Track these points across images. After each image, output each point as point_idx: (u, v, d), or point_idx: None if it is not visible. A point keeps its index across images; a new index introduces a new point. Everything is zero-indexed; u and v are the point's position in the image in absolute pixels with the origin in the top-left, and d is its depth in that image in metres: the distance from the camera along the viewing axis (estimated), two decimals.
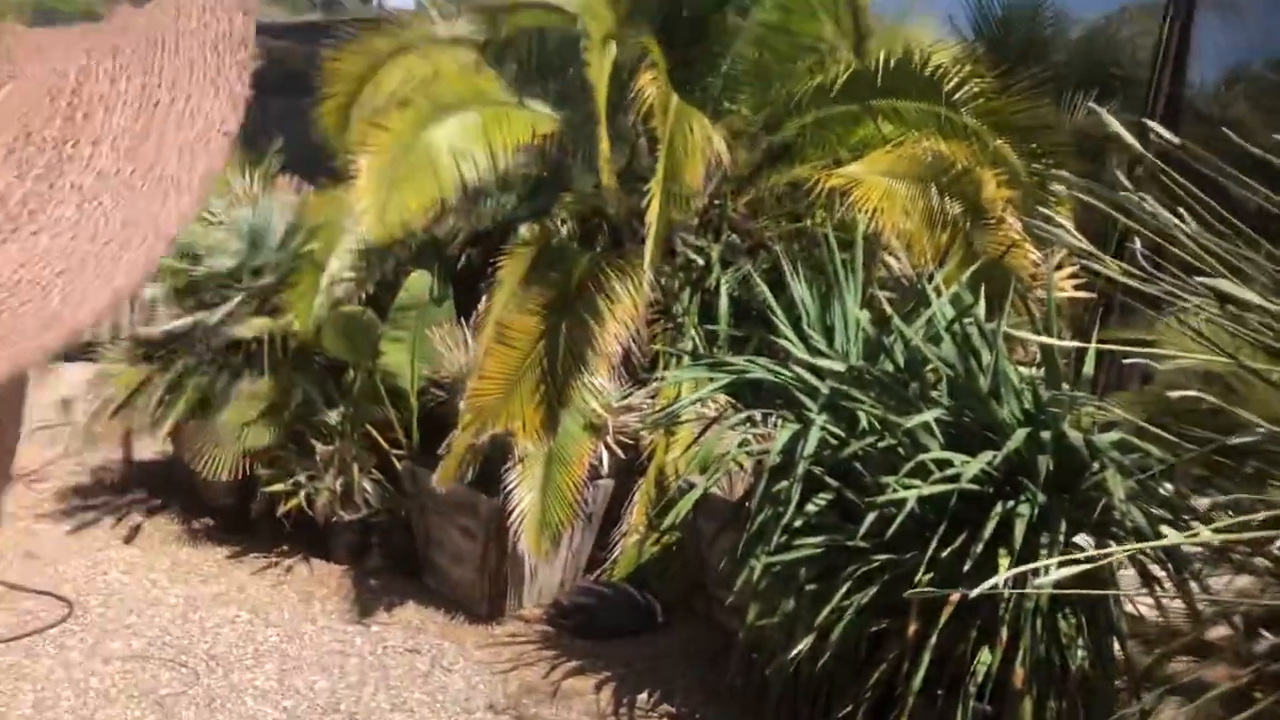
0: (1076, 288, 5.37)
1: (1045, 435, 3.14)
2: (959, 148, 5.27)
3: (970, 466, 3.12)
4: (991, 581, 1.86)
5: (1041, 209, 5.01)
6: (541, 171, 5.80)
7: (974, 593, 2.02)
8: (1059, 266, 5.48)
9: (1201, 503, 3.16)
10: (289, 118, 8.24)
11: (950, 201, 5.12)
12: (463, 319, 5.25)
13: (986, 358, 3.48)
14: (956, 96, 5.30)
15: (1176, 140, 2.49)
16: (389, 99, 5.37)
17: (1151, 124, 2.58)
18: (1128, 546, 2.05)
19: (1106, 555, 2.35)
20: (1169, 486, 3.14)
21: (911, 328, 3.76)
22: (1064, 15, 6.84)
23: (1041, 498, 3.13)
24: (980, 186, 5.12)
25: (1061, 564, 1.87)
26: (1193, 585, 3.03)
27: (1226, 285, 1.97)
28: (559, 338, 4.70)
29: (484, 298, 5.05)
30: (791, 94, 5.60)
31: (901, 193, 5.11)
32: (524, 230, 5.15)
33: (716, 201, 5.78)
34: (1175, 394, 1.93)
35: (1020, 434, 3.10)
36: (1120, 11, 7.14)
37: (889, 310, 3.77)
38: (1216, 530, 1.86)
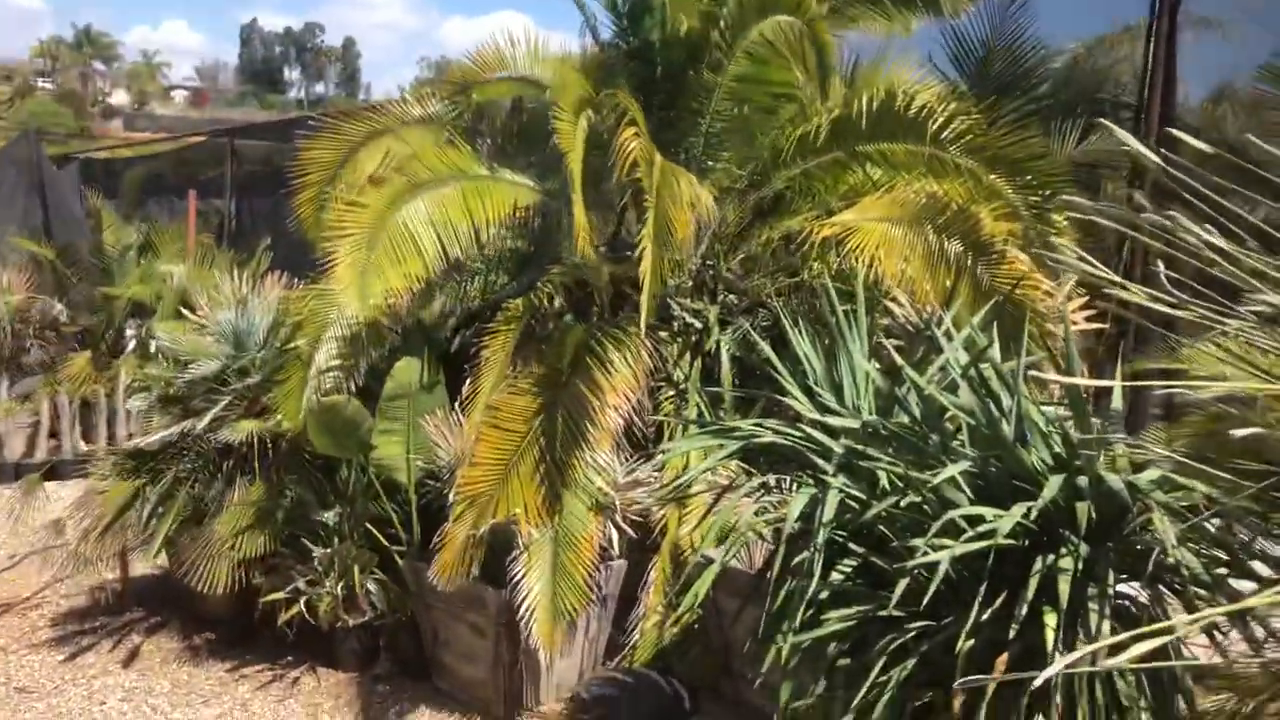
0: (1088, 319, 5.20)
1: (1081, 481, 2.92)
2: (952, 186, 5.13)
3: (1005, 520, 2.90)
4: (1057, 667, 1.63)
5: (1049, 239, 4.88)
6: (529, 246, 5.66)
7: (1038, 679, 1.79)
8: (1068, 299, 5.33)
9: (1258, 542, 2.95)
10: (279, 216, 8.16)
11: (949, 241, 4.95)
12: (456, 405, 5.06)
13: (1007, 401, 3.26)
14: (944, 135, 5.17)
15: (1208, 149, 2.32)
16: (365, 182, 5.23)
17: (1178, 133, 2.42)
18: (1214, 609, 1.84)
19: (1193, 619, 2.11)
20: (1216, 523, 2.92)
21: (924, 376, 3.55)
22: (1043, 45, 6.74)
23: (1084, 548, 2.90)
24: (978, 223, 4.97)
25: (1135, 638, 1.64)
26: (1256, 628, 2.79)
27: None
28: (556, 415, 4.50)
29: (468, 380, 4.85)
30: (776, 146, 5.48)
31: (898, 236, 4.96)
32: (510, 305, 4.97)
33: (709, 262, 5.63)
34: (1240, 432, 1.71)
35: (1055, 481, 2.88)
36: (1099, 39, 7.05)
37: (898, 360, 3.56)
38: None
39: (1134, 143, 2.27)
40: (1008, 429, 3.21)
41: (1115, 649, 2.63)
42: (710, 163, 5.50)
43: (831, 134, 5.28)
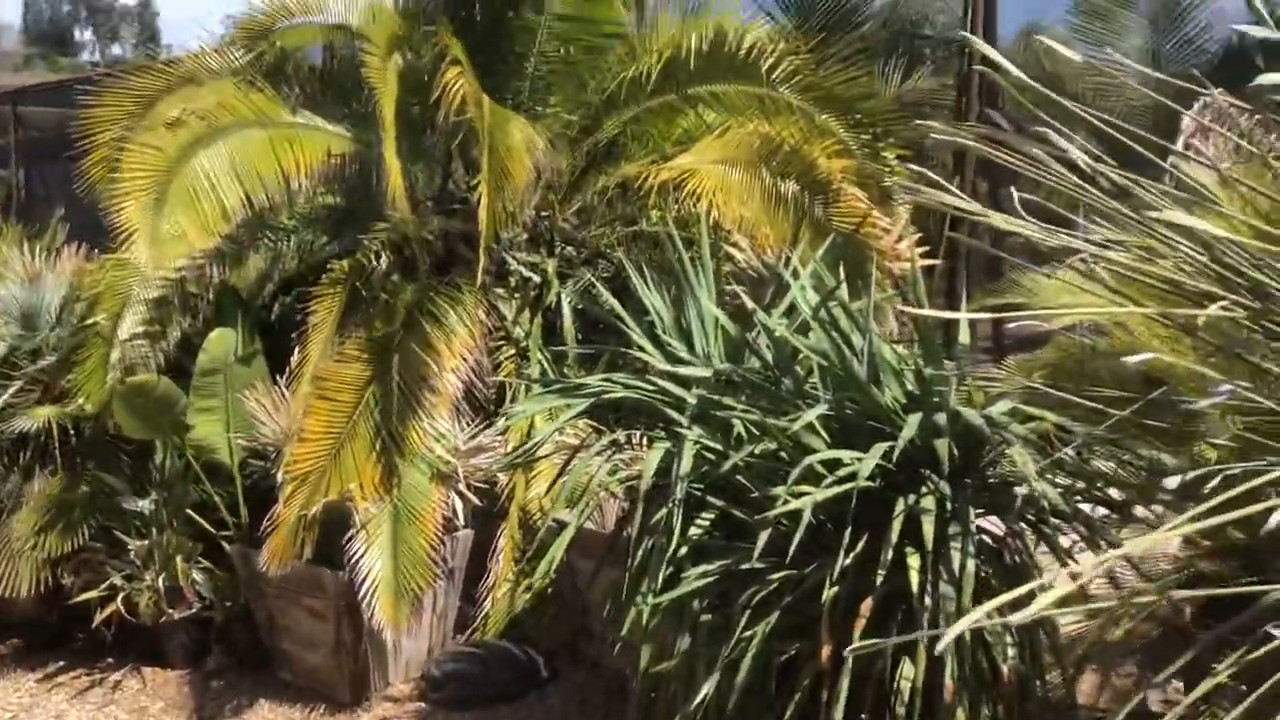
0: (921, 255, 5.23)
1: (939, 418, 2.86)
2: (786, 126, 5.04)
3: (865, 463, 2.81)
4: (956, 629, 1.52)
5: (883, 177, 4.86)
6: (347, 201, 5.30)
7: (940, 646, 1.68)
8: (900, 238, 5.34)
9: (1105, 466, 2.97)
10: (73, 185, 7.45)
11: (786, 182, 4.87)
12: (278, 377, 4.69)
13: (858, 341, 3.18)
14: (775, 75, 5.08)
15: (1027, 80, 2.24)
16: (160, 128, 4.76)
17: (1003, 62, 2.33)
18: (1113, 552, 1.77)
19: (1099, 562, 2.04)
20: (1069, 453, 2.91)
21: (772, 319, 3.45)
22: None
23: (945, 487, 2.85)
24: (814, 163, 4.90)
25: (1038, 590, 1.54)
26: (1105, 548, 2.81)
27: (1181, 216, 1.68)
28: (388, 382, 4.22)
29: (295, 349, 4.50)
30: (606, 90, 5.28)
31: (736, 179, 4.84)
32: (334, 266, 4.62)
33: (544, 213, 5.39)
34: (1134, 359, 1.62)
35: (914, 420, 2.81)
36: None
37: (749, 303, 3.44)
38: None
39: (990, 52, 2.14)
40: (860, 369, 3.13)
41: (987, 596, 2.60)
42: (539, 108, 5.26)
43: (663, 76, 5.11)
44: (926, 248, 5.20)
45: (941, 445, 2.80)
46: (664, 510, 3.21)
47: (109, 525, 4.78)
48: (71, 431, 4.97)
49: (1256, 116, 2.84)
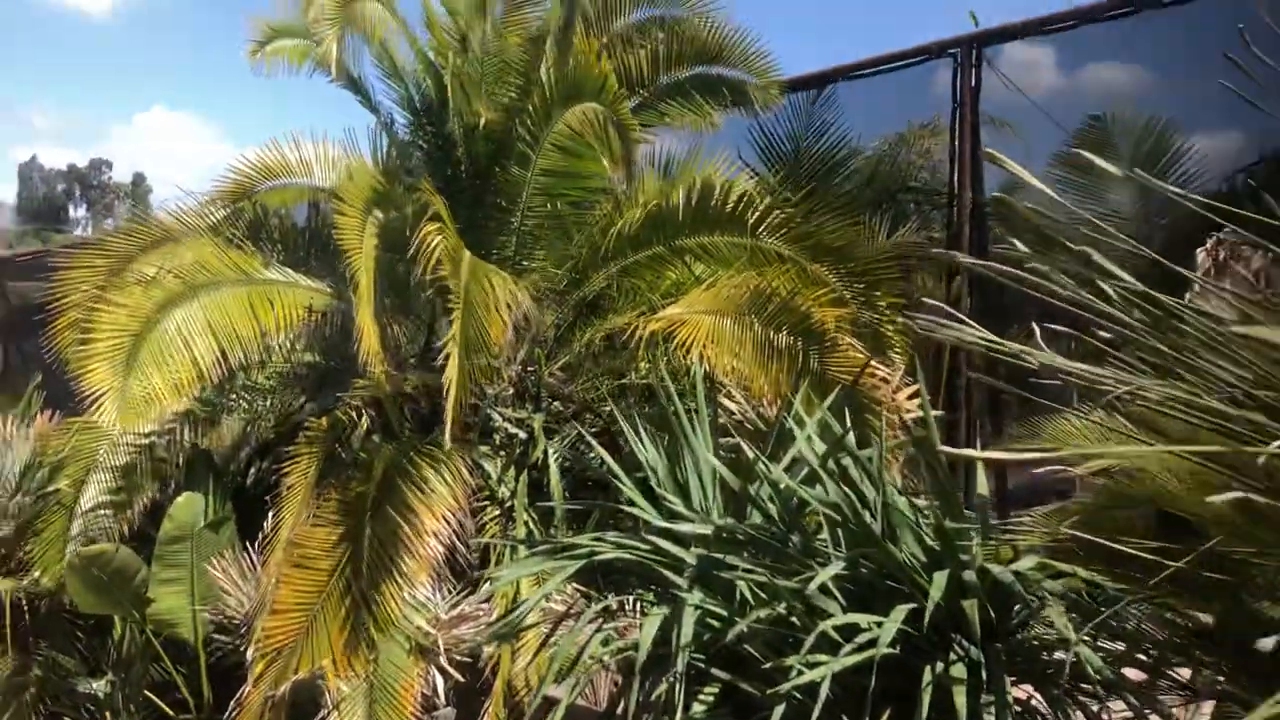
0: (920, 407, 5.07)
1: (967, 575, 2.62)
2: (776, 275, 4.94)
3: (886, 628, 2.55)
4: None
5: (879, 326, 4.73)
6: (327, 360, 5.12)
7: None
8: (899, 388, 5.19)
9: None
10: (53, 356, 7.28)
11: (779, 332, 4.74)
12: (250, 545, 4.42)
13: (870, 493, 2.97)
14: (764, 226, 5.02)
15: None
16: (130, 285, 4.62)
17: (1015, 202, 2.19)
18: None
19: None
20: (1108, 613, 2.66)
21: (775, 470, 3.23)
22: (848, 139, 6.79)
23: (976, 652, 2.59)
24: (807, 312, 4.78)
25: None
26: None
27: (1266, 331, 1.50)
28: (365, 546, 3.95)
29: (270, 514, 4.24)
30: (593, 243, 5.19)
31: (726, 329, 4.70)
32: (312, 425, 4.40)
33: (530, 368, 5.23)
34: (1219, 498, 1.41)
35: (940, 579, 2.56)
36: (903, 134, 7.16)
37: (750, 452, 3.23)
38: None
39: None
40: (875, 523, 2.90)
41: None
42: (525, 263, 5.15)
43: (650, 228, 5.03)
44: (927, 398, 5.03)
45: (970, 606, 2.55)
46: (663, 685, 2.93)
47: (58, 711, 4.41)
48: (25, 607, 4.63)
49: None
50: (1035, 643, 2.81)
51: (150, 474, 4.74)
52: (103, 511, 4.61)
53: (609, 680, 4.04)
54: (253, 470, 5.45)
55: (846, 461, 3.08)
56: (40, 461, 4.82)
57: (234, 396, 4.99)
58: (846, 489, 2.97)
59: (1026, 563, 2.83)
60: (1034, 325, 2.24)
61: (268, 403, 5.17)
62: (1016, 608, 2.77)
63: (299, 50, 5.22)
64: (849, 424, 3.44)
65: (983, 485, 3.27)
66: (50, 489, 4.63)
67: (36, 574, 4.54)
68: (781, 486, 3.10)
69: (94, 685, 4.40)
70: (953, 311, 2.22)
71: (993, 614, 2.67)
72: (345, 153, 5.16)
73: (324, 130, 5.55)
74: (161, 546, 4.28)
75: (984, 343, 2.16)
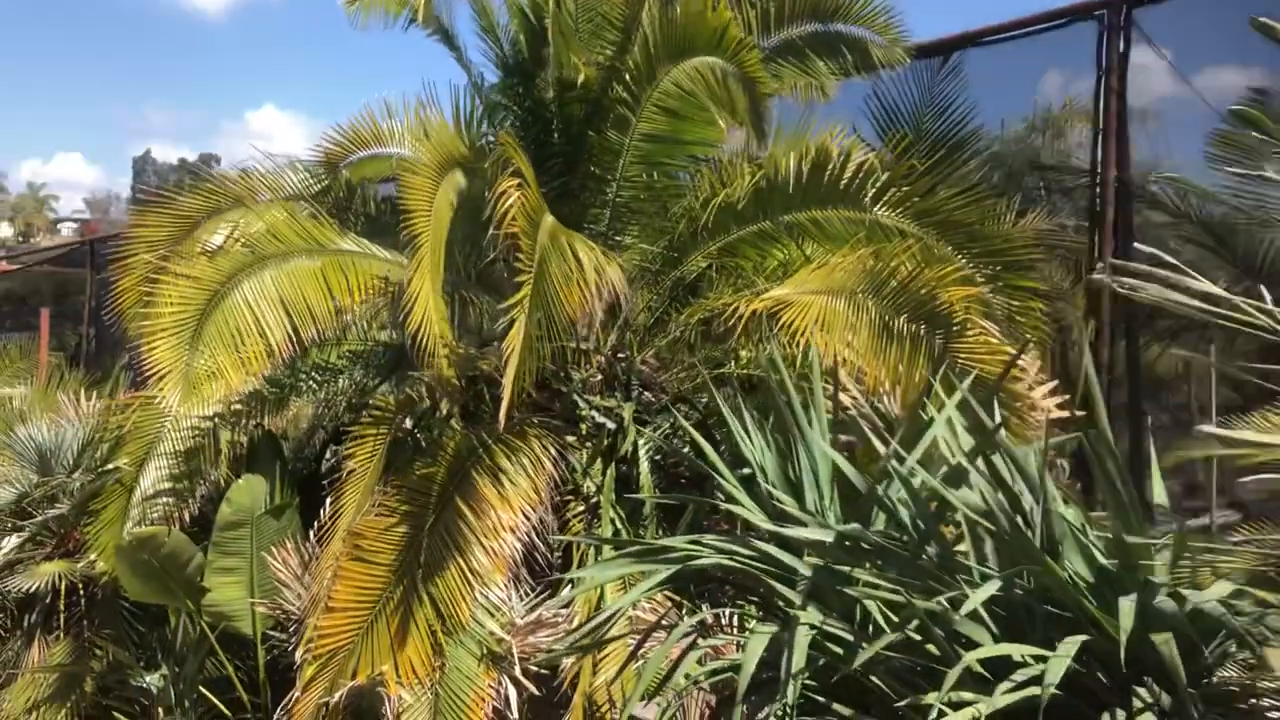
0: (1059, 405, 4.51)
1: (1163, 602, 2.10)
2: (897, 254, 4.42)
3: (1054, 664, 2.05)
4: None
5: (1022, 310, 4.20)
6: (404, 336, 4.76)
7: None
8: (1032, 384, 4.64)
9: None
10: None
11: (899, 316, 4.21)
12: (313, 534, 4.07)
13: (1027, 499, 2.46)
14: (884, 200, 4.51)
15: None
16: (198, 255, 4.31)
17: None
18: None
19: None
20: None
21: (907, 467, 2.73)
22: (975, 112, 6.20)
23: (1166, 698, 2.07)
24: (932, 293, 4.24)
25: None
26: None
27: None
28: (435, 541, 3.56)
29: (328, 500, 3.87)
30: (692, 218, 4.73)
31: (838, 311, 4.19)
32: (379, 402, 4.03)
33: (621, 353, 4.79)
34: None
35: (1127, 606, 2.05)
36: (1043, 114, 6.54)
37: (878, 445, 2.74)
38: None
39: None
40: (1033, 534, 2.40)
41: None
42: (619, 238, 4.72)
43: (756, 201, 4.56)
44: (1066, 396, 4.49)
45: (1165, 641, 2.03)
46: (768, 715, 2.47)
47: (110, 705, 4.11)
48: (81, 591, 4.36)
49: None
50: (1237, 688, 2.27)
51: (214, 456, 4.42)
52: (164, 495, 4.31)
53: (701, 702, 3.59)
54: (327, 455, 5.13)
55: (996, 460, 2.57)
56: (100, 438, 4.54)
57: (304, 376, 4.65)
58: (998, 492, 2.47)
59: (1218, 590, 2.30)
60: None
61: (340, 383, 4.82)
62: (1212, 645, 2.24)
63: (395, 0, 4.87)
64: (993, 418, 2.93)
65: (1160, 493, 2.74)
66: (109, 467, 4.34)
67: (93, 557, 4.26)
68: (916, 485, 2.60)
69: (147, 679, 4.09)
70: (1174, 261, 1.70)
71: (1181, 651, 2.15)
72: (421, 112, 4.77)
73: (408, 98, 5.13)
74: (219, 533, 3.96)
75: (1212, 308, 1.64)
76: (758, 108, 4.04)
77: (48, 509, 4.46)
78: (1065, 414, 4.47)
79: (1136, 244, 5.04)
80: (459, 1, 4.92)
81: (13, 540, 4.32)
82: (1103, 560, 2.35)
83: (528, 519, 3.81)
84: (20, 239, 75.21)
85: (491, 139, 4.59)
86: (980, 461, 2.54)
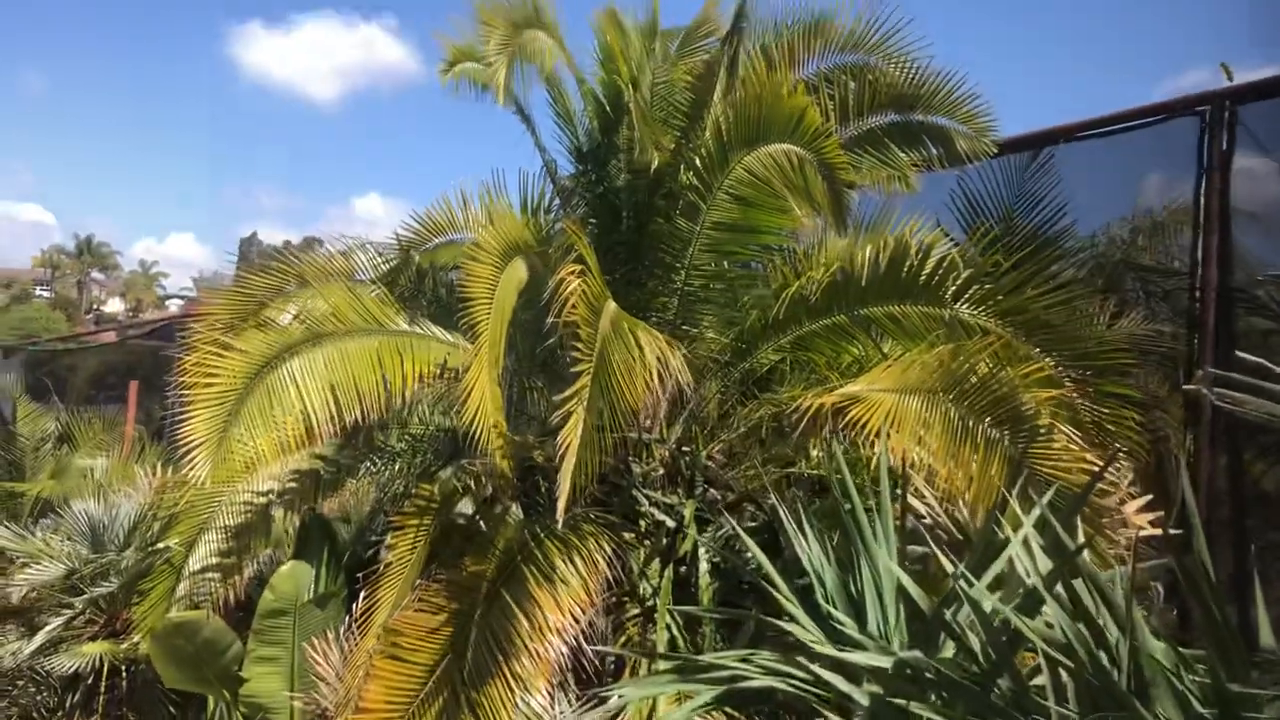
0: (1152, 523, 4.19)
1: None
2: (976, 352, 4.18)
3: None
4: None
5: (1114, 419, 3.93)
6: (463, 421, 4.65)
7: None
8: (1124, 499, 4.33)
9: None
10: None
11: (978, 417, 3.95)
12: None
13: (1112, 631, 2.19)
14: (966, 296, 4.29)
15: None
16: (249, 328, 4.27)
17: None
18: None
19: None
20: None
21: (978, 589, 2.49)
22: (1066, 210, 5.95)
23: None
24: (1012, 394, 3.99)
25: None
26: None
27: None
28: (475, 640, 3.37)
29: (361, 593, 3.72)
30: (764, 308, 4.56)
31: (912, 411, 3.95)
32: (423, 489, 3.90)
33: (685, 447, 4.61)
34: None
35: None
36: (1128, 214, 6.27)
37: (946, 563, 2.50)
38: None
39: None
40: (1119, 672, 2.13)
41: None
42: (687, 328, 4.57)
43: (832, 293, 4.38)
44: (1160, 513, 4.17)
45: None
46: None
47: None
48: (124, 673, 4.27)
49: None
50: None
51: (263, 537, 4.32)
52: (210, 574, 4.22)
53: None
54: (374, 538, 5.00)
55: (1078, 585, 2.31)
56: (154, 515, 4.49)
57: (363, 457, 4.56)
58: (1079, 623, 2.21)
59: None
60: None
61: (397, 467, 4.72)
62: None
63: (482, 75, 4.89)
64: (1075, 536, 2.68)
65: (1266, 629, 2.44)
66: (159, 545, 4.27)
67: (136, 638, 4.17)
68: (988, 610, 2.35)
69: None
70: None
71: None
72: (487, 198, 4.74)
73: (487, 186, 5.13)
74: (260, 620, 3.84)
75: None
76: (838, 196, 3.88)
77: (97, 586, 4.39)
78: (1159, 532, 4.16)
79: (1239, 352, 4.71)
80: (536, 85, 4.92)
81: (60, 618, 4.24)
82: (1200, 709, 2.07)
83: (577, 621, 3.60)
84: (129, 314, 78.36)
85: (560, 225, 4.52)
86: (1060, 586, 2.29)
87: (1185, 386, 5.07)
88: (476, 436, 3.30)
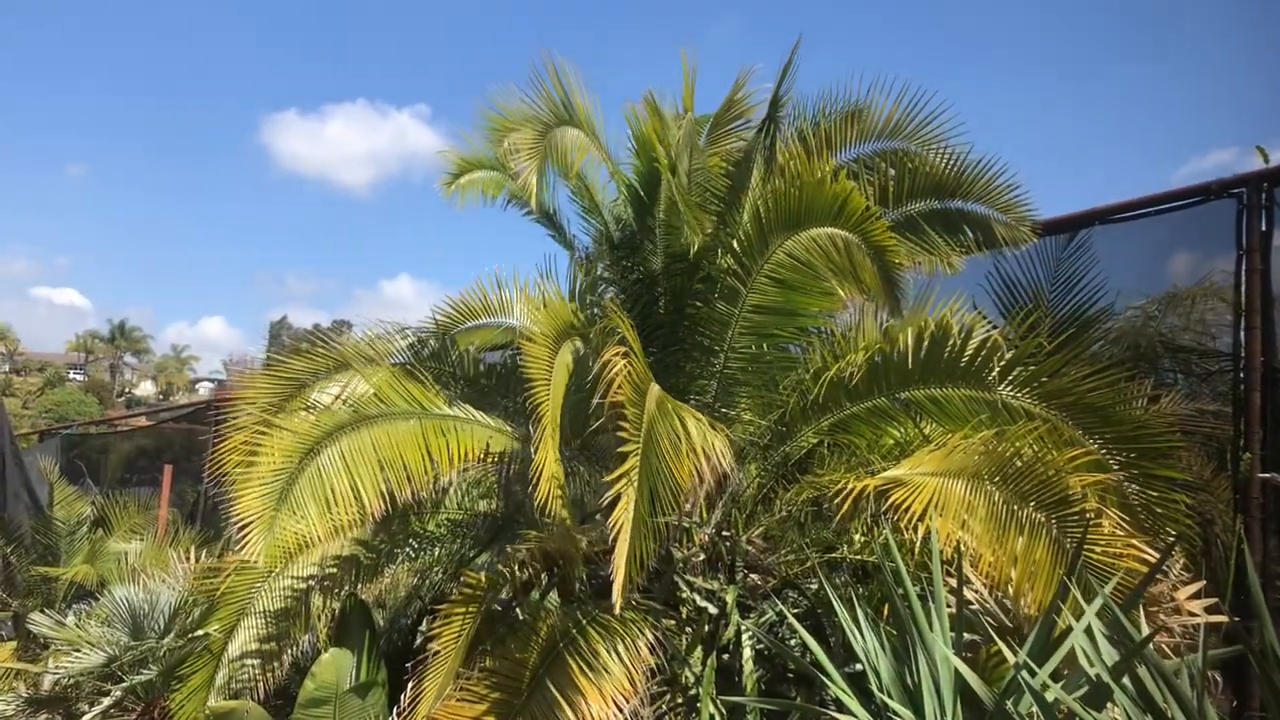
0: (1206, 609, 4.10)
1: None
2: (1021, 436, 4.14)
3: None
4: None
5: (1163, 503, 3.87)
6: (505, 508, 4.64)
7: None
8: (1176, 585, 4.26)
9: None
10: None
11: (1023, 502, 3.90)
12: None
13: None
14: (1008, 379, 4.27)
15: None
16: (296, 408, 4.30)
17: None
18: None
19: None
20: None
21: (1036, 680, 2.43)
22: (1103, 292, 5.94)
23: None
24: (1058, 478, 3.93)
25: None
26: None
27: None
28: None
29: (409, 682, 3.67)
30: (803, 391, 4.55)
31: (956, 495, 3.91)
32: (469, 578, 3.87)
33: (726, 532, 4.57)
34: None
35: None
36: (1168, 294, 6.25)
37: (1008, 653, 2.45)
38: None
39: None
40: None
41: None
42: (726, 410, 4.56)
43: (871, 376, 4.37)
44: (1214, 599, 4.08)
45: None
46: None
47: None
48: None
49: None
50: None
51: (304, 623, 4.30)
52: (250, 661, 4.19)
53: None
54: (421, 628, 4.96)
55: (1143, 675, 2.26)
56: (193, 600, 4.48)
57: (401, 543, 4.54)
58: (1148, 715, 2.15)
59: None
60: None
61: (437, 552, 4.69)
62: None
63: (493, 182, 4.98)
64: (1136, 626, 2.62)
65: None
66: (199, 632, 4.25)
67: None
68: (1050, 701, 2.30)
69: None
70: None
71: None
72: (540, 284, 4.80)
73: (529, 269, 5.22)
74: (300, 710, 3.79)
75: None
76: (890, 277, 3.89)
77: (136, 674, 4.36)
78: (1213, 619, 4.07)
79: None
80: (557, 179, 5.03)
81: (98, 707, 4.21)
82: None
83: (620, 711, 3.54)
84: (160, 397, 79.21)
85: (598, 310, 4.55)
86: (1126, 678, 2.24)
87: (1262, 475, 4.97)
88: (549, 514, 3.30)
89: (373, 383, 4.37)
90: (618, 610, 3.07)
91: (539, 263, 5.03)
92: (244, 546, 3.50)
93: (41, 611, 7.95)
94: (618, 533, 2.97)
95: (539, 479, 3.38)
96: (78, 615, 8.56)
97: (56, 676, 4.42)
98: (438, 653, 3.60)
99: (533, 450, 3.57)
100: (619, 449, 3.27)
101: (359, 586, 4.42)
